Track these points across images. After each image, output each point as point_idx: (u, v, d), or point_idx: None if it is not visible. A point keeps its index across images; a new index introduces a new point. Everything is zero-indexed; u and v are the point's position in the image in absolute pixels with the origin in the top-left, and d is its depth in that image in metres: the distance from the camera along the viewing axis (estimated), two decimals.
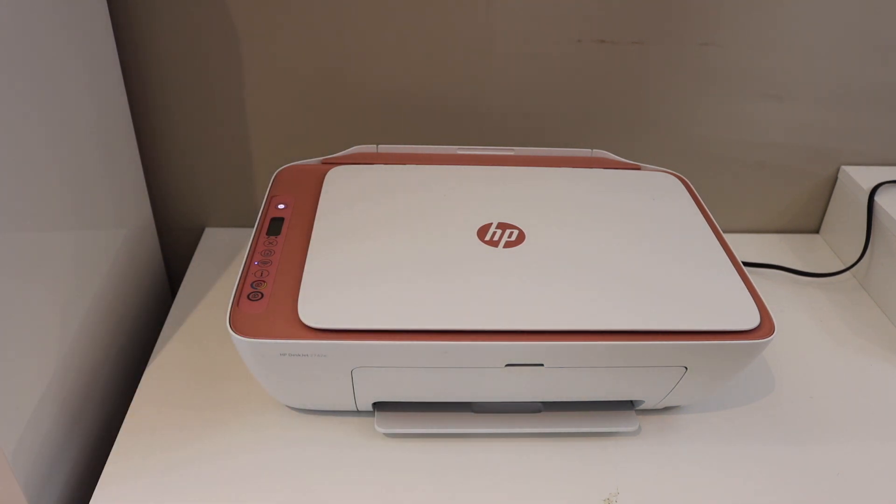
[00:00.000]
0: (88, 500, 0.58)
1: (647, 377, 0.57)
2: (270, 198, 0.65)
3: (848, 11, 0.75)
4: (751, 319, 0.55)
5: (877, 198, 0.80)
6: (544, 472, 0.59)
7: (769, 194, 0.88)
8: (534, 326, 0.53)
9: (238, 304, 0.54)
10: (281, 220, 0.62)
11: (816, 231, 0.92)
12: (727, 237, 0.63)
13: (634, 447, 0.61)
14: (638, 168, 0.72)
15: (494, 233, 0.60)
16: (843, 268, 0.83)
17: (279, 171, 0.69)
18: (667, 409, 0.64)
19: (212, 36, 0.73)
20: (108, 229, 0.69)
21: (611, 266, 0.58)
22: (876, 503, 0.58)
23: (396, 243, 0.59)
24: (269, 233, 0.61)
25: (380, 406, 0.61)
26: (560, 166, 0.70)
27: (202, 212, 0.85)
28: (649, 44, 0.76)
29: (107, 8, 0.67)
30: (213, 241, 0.84)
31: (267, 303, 0.54)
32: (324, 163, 0.70)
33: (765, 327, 0.55)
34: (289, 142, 0.80)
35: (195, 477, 0.57)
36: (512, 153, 0.72)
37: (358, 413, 0.62)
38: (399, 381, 0.56)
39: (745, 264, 0.81)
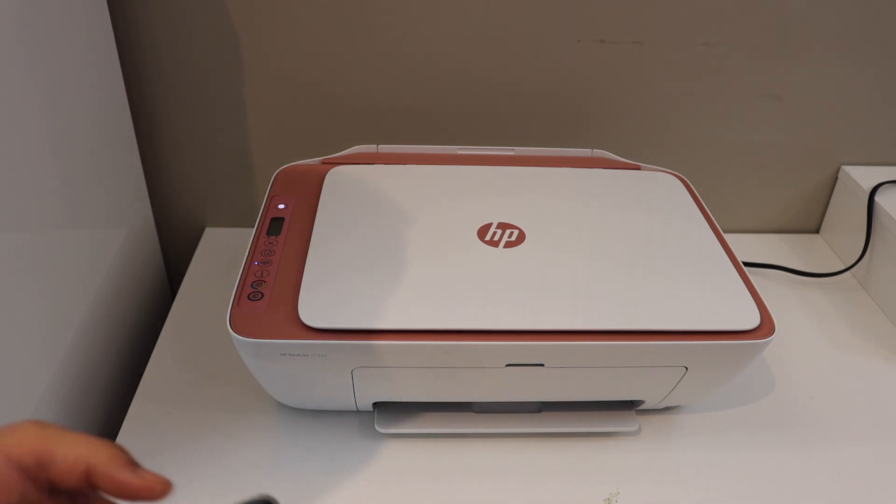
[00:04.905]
0: None
1: (647, 377, 0.57)
2: (270, 198, 0.65)
3: (848, 11, 0.75)
4: (751, 319, 0.54)
5: (877, 198, 0.80)
6: (544, 472, 0.59)
7: (769, 194, 0.88)
8: (534, 326, 0.53)
9: (238, 304, 0.54)
10: (281, 220, 0.62)
11: (816, 231, 0.92)
12: (727, 237, 0.63)
13: (634, 447, 0.61)
14: (638, 168, 0.72)
15: (494, 233, 0.60)
16: (843, 268, 0.83)
17: (279, 171, 0.69)
18: (667, 409, 0.64)
19: (212, 36, 0.73)
20: (108, 229, 0.69)
21: (611, 266, 0.58)
22: (876, 503, 0.58)
23: (396, 243, 0.58)
24: (269, 233, 0.61)
25: (380, 406, 0.61)
26: (560, 166, 0.70)
27: (202, 212, 0.85)
28: (649, 44, 0.76)
29: (107, 8, 0.67)
30: (213, 241, 0.84)
31: (267, 303, 0.54)
32: (324, 163, 0.70)
33: (765, 327, 0.55)
34: (289, 142, 0.80)
35: (195, 476, 0.57)
36: (512, 153, 0.72)
37: (358, 413, 0.62)
38: (399, 380, 0.56)
39: (745, 264, 0.81)
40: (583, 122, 0.81)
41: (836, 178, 0.87)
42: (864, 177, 0.83)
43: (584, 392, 0.59)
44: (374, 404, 0.61)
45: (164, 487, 0.32)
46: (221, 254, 0.82)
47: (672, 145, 0.83)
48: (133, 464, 0.32)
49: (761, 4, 0.74)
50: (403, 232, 0.60)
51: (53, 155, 0.57)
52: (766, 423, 0.64)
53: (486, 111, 0.79)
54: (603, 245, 0.60)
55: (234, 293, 0.55)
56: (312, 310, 0.53)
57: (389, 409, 0.61)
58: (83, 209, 0.63)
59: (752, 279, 0.58)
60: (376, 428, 0.59)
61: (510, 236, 0.60)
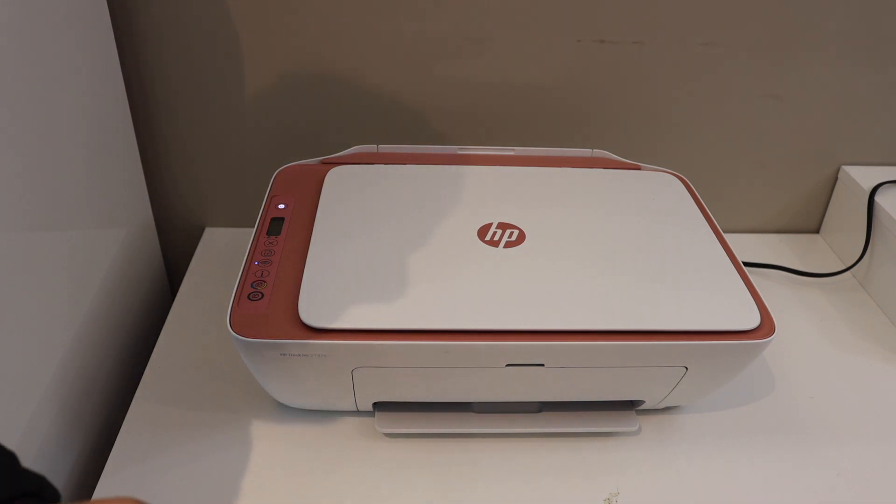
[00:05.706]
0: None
1: (647, 377, 0.57)
2: (270, 198, 0.65)
3: (848, 11, 0.75)
4: (751, 319, 0.54)
5: (877, 198, 0.80)
6: (544, 472, 0.59)
7: (769, 194, 0.88)
8: (534, 326, 0.53)
9: (238, 304, 0.54)
10: (281, 220, 0.62)
11: (816, 231, 0.92)
12: (727, 237, 0.63)
13: (634, 447, 0.61)
14: (638, 168, 0.72)
15: (494, 233, 0.60)
16: (843, 268, 0.83)
17: (279, 171, 0.69)
18: (667, 409, 0.64)
19: (212, 36, 0.73)
20: (108, 229, 0.69)
21: (611, 266, 0.58)
22: (876, 503, 0.58)
23: (396, 243, 0.58)
24: (269, 233, 0.61)
25: (380, 406, 0.61)
26: (560, 166, 0.70)
27: (202, 212, 0.85)
28: (649, 44, 0.76)
29: (107, 7, 0.67)
30: (213, 241, 0.84)
31: (267, 303, 0.54)
32: (324, 163, 0.70)
33: (765, 327, 0.55)
34: (289, 142, 0.80)
35: (195, 477, 0.57)
36: (512, 153, 0.72)
37: (358, 413, 0.62)
38: (399, 381, 0.56)
39: (745, 264, 0.81)
40: (583, 122, 0.81)
41: (836, 178, 0.87)
42: (864, 177, 0.83)
43: (584, 392, 0.59)
44: (374, 404, 0.61)
45: None
46: (221, 254, 0.82)
47: (672, 145, 0.83)
48: None
49: (761, 4, 0.74)
50: (403, 232, 0.60)
51: (53, 154, 0.57)
52: (765, 423, 0.64)
53: (486, 111, 0.79)
54: (603, 245, 0.60)
55: (234, 293, 0.55)
56: (312, 310, 0.53)
57: (389, 409, 0.61)
58: (83, 209, 0.63)
59: (752, 279, 0.58)
60: (376, 428, 0.59)
61: (510, 236, 0.60)
